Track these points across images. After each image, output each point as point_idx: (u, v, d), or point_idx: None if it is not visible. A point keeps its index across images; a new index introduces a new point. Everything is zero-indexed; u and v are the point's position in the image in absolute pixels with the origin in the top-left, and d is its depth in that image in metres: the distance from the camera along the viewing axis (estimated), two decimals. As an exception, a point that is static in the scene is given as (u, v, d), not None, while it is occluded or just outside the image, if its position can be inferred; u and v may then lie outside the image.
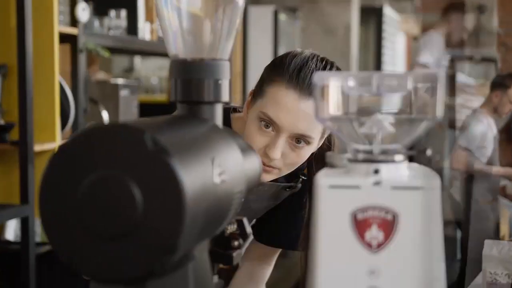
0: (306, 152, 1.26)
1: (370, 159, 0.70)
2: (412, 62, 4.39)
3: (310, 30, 5.34)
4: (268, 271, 1.56)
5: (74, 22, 2.66)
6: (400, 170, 0.70)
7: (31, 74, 2.38)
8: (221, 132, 0.79)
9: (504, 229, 4.14)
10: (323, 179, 0.69)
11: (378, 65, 7.55)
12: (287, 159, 1.25)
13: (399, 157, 0.71)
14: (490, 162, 4.18)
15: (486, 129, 4.09)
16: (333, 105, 0.72)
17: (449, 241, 4.24)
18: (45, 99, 2.48)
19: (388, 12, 7.56)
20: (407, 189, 0.68)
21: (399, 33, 8.72)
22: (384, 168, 0.69)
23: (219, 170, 0.71)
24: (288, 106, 1.21)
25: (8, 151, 2.46)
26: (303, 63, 1.25)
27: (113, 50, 3.17)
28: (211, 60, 0.82)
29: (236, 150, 0.78)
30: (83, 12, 2.63)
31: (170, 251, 0.60)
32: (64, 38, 2.63)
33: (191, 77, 0.81)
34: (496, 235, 4.05)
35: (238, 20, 0.84)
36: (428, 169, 0.74)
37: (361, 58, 6.80)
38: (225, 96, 0.83)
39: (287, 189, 1.40)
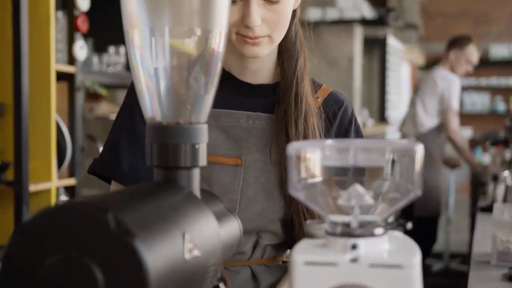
0: (286, 6, 1.15)
1: (347, 233, 0.68)
2: (442, 106, 4.38)
3: (313, 61, 5.32)
4: None
5: (72, 60, 2.65)
6: (379, 245, 0.67)
7: (27, 113, 2.37)
8: (195, 201, 0.76)
9: None
10: (299, 255, 0.66)
11: (382, 95, 7.54)
12: (269, 22, 1.14)
13: (378, 231, 0.68)
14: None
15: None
16: (308, 175, 0.69)
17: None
18: (42, 138, 2.47)
19: (392, 42, 7.57)
20: (386, 267, 0.65)
21: (403, 62, 8.73)
22: (362, 243, 0.66)
23: (191, 245, 0.68)
24: None
25: (3, 191, 2.44)
26: None
27: (114, 85, 3.16)
28: (188, 123, 0.80)
29: (211, 220, 0.75)
30: (81, 50, 2.63)
31: None
32: (62, 76, 2.63)
33: (167, 141, 0.78)
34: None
35: (216, 81, 0.82)
36: (408, 240, 0.71)
37: (365, 88, 6.80)
38: (202, 161, 0.80)
39: None
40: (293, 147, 0.68)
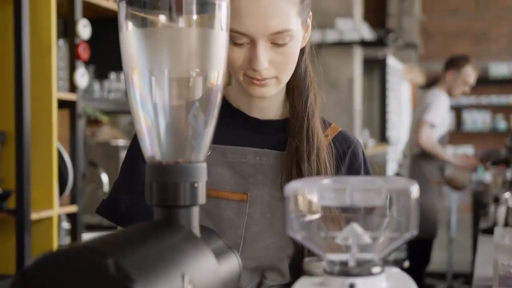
0: (293, 48, 1.13)
1: (345, 272, 0.68)
2: (416, 118, 4.38)
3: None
4: None
5: (73, 87, 2.67)
6: (377, 284, 0.68)
7: (29, 141, 2.38)
8: (194, 240, 0.77)
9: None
10: (297, 294, 0.67)
11: (382, 115, 7.56)
12: (276, 64, 1.12)
13: (376, 269, 0.69)
14: (441, 142, 4.31)
15: (446, 108, 4.34)
16: (306, 215, 0.70)
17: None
18: (43, 166, 2.48)
19: (392, 62, 7.61)
20: (383, 307, 0.66)
21: (403, 82, 8.76)
22: (360, 282, 0.67)
23: (190, 286, 0.69)
24: (248, 9, 1.08)
25: (5, 220, 2.45)
26: None
27: (115, 111, 3.18)
28: (187, 162, 0.81)
29: (210, 258, 0.76)
30: (82, 78, 2.65)
31: None
32: (63, 103, 2.65)
33: (167, 180, 0.79)
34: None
35: (214, 120, 0.83)
36: (406, 278, 0.72)
37: (365, 108, 6.82)
38: (201, 199, 0.81)
39: None
40: (290, 187, 0.69)
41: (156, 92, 0.80)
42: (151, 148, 0.81)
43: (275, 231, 1.17)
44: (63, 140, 2.68)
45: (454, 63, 4.43)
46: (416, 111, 4.55)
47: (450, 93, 4.44)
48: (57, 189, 2.53)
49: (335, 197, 0.70)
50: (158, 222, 0.79)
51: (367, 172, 1.26)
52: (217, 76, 0.81)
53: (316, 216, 0.71)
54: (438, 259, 6.52)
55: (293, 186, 0.70)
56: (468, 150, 10.13)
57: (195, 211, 0.81)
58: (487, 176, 6.75)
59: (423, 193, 4.26)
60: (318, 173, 1.15)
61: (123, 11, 0.78)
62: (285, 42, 1.11)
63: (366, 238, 0.69)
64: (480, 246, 2.57)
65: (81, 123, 2.67)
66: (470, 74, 4.41)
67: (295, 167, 1.16)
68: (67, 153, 2.63)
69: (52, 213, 2.51)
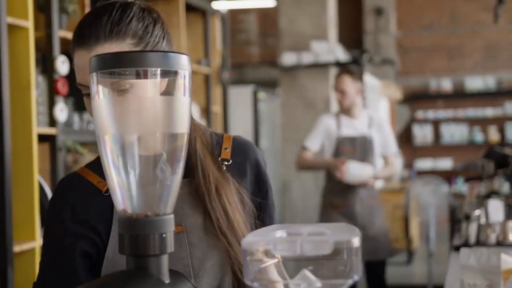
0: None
1: (298, 315, 0.76)
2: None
3: (290, 104, 5.48)
4: None
5: (53, 121, 2.74)
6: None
7: (10, 175, 2.45)
8: (163, 286, 0.85)
9: None
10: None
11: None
12: None
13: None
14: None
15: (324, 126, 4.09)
16: (261, 264, 0.79)
17: None
18: (25, 199, 2.54)
19: (369, 80, 7.74)
20: None
21: (381, 98, 8.90)
22: (310, 324, 0.75)
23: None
24: (80, 63, 1.16)
25: (-13, 253, 2.50)
26: (88, 15, 1.19)
27: (95, 142, 3.25)
28: (156, 215, 0.89)
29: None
30: (61, 112, 2.72)
31: None
32: (43, 137, 2.71)
33: (138, 232, 0.87)
34: None
35: (180, 176, 0.91)
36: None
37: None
38: (170, 247, 0.89)
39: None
40: (246, 242, 0.78)
41: (126, 153, 0.88)
42: (122, 202, 0.90)
43: (217, 250, 1.24)
44: (44, 173, 2.74)
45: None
46: None
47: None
48: (39, 221, 2.59)
49: (287, 247, 0.78)
50: (130, 271, 0.87)
51: (265, 173, 1.34)
52: (182, 136, 0.90)
53: (271, 265, 0.79)
54: (418, 272, 6.63)
55: (249, 240, 0.78)
56: (447, 163, 10.29)
57: (165, 259, 0.89)
58: (465, 188, 6.87)
59: (374, 216, 4.16)
60: (225, 211, 1.22)
61: (95, 81, 0.86)
62: (124, 90, 1.09)
63: (316, 283, 0.78)
64: (451, 263, 2.65)
65: (61, 156, 2.74)
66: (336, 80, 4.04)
67: (204, 203, 1.23)
68: (48, 185, 2.69)
69: (34, 244, 2.57)
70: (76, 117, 3.00)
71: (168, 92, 0.89)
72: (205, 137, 1.29)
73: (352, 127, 4.02)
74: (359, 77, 4.02)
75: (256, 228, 1.26)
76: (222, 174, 1.26)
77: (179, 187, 0.91)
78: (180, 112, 0.88)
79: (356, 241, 0.75)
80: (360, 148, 4.01)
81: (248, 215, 1.27)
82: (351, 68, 4.12)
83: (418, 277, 6.40)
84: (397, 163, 4.09)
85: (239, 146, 1.32)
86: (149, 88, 0.88)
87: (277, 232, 0.80)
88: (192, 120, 1.28)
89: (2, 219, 2.42)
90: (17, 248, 2.47)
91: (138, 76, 0.88)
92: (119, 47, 1.16)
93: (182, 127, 0.89)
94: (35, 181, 2.56)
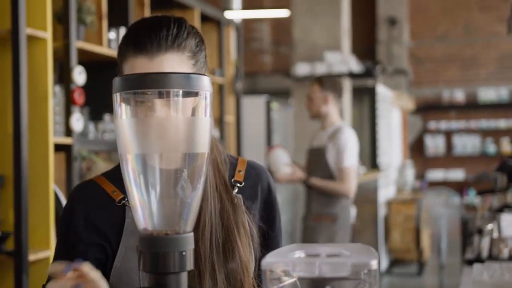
0: (187, 106, 1.14)
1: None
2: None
3: (303, 114, 5.48)
4: None
5: (69, 131, 2.77)
6: None
7: (27, 185, 2.47)
8: (183, 305, 0.86)
9: None
10: None
11: (373, 142, 7.67)
12: None
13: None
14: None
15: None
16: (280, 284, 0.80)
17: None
18: (40, 208, 2.57)
19: (381, 90, 7.74)
20: None
21: (393, 108, 8.89)
22: None
23: None
24: (141, 70, 1.16)
25: (3, 261, 2.53)
26: (143, 23, 1.21)
27: (109, 150, 3.28)
28: (175, 233, 0.90)
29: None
30: (77, 122, 2.75)
31: None
32: (59, 147, 2.74)
33: (158, 250, 0.89)
34: None
35: (199, 197, 0.93)
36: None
37: (356, 136, 6.91)
38: (189, 265, 0.91)
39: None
40: (266, 262, 0.79)
41: (148, 172, 0.90)
42: (143, 220, 0.91)
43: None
44: (59, 182, 2.77)
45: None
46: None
47: None
48: (54, 230, 2.62)
49: (306, 268, 0.80)
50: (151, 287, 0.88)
51: (275, 201, 1.35)
52: (202, 155, 0.91)
53: (290, 283, 0.81)
54: (428, 284, 6.61)
55: (268, 261, 0.79)
56: (459, 174, 10.25)
57: (184, 276, 0.90)
58: (477, 200, 6.83)
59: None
60: (227, 229, 1.23)
61: (118, 101, 0.88)
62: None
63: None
64: (463, 278, 2.65)
65: (76, 166, 2.77)
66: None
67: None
68: (63, 195, 2.72)
69: (49, 253, 2.59)
70: (91, 127, 3.03)
71: (190, 112, 0.91)
72: (221, 159, 1.30)
73: (318, 139, 4.02)
74: (330, 88, 3.96)
75: (258, 252, 1.28)
76: (230, 196, 1.27)
77: (199, 206, 0.92)
78: (201, 132, 0.90)
79: (374, 264, 0.77)
80: (313, 159, 3.98)
81: (251, 238, 1.27)
82: (324, 78, 4.14)
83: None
84: (349, 180, 3.77)
85: (253, 170, 1.34)
86: (171, 108, 0.90)
87: (296, 253, 0.81)
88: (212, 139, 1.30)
89: (18, 228, 2.45)
90: (32, 257, 2.50)
91: (160, 96, 0.90)
92: (179, 59, 1.18)
93: (203, 147, 0.90)
94: (51, 190, 2.59)
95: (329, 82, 4.01)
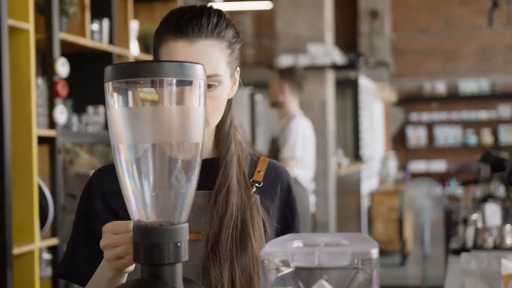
0: (221, 93, 1.21)
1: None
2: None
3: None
4: None
5: (52, 124, 2.74)
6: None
7: (10, 178, 2.44)
8: (178, 297, 0.85)
9: None
10: None
11: (356, 134, 7.70)
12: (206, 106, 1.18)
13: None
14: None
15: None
16: (278, 274, 0.79)
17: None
18: (24, 201, 2.54)
19: (364, 82, 7.76)
20: None
21: (376, 100, 8.92)
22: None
23: None
24: (182, 55, 1.18)
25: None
26: (183, 10, 1.23)
27: (93, 143, 3.25)
28: (170, 224, 0.89)
29: (193, 313, 0.85)
30: (61, 114, 2.72)
31: None
32: (43, 139, 2.71)
33: (152, 241, 0.88)
34: None
35: (193, 187, 0.91)
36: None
37: (339, 128, 6.94)
38: (184, 256, 0.89)
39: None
40: (264, 252, 0.78)
41: (141, 162, 0.88)
42: (137, 212, 0.90)
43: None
44: (43, 174, 2.74)
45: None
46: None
47: None
48: (38, 223, 2.59)
49: (305, 258, 0.79)
50: (144, 279, 0.87)
51: (294, 202, 1.35)
52: (196, 145, 0.90)
53: (288, 274, 0.80)
54: (411, 274, 6.65)
55: (267, 250, 0.78)
56: (440, 165, 10.32)
57: (179, 267, 0.89)
58: (459, 190, 6.88)
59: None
60: (223, 215, 1.22)
61: (110, 90, 0.87)
62: (214, 86, 1.19)
63: (333, 293, 0.78)
64: (450, 267, 2.66)
65: (60, 158, 2.74)
66: None
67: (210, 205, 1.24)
68: (47, 187, 2.69)
69: (33, 247, 2.56)
70: (75, 119, 2.99)
71: (183, 101, 0.89)
72: (242, 157, 1.29)
73: (276, 129, 4.12)
74: (287, 78, 4.03)
75: None
76: (248, 193, 1.26)
77: (193, 196, 0.91)
78: (195, 121, 0.89)
79: (374, 253, 0.76)
80: (271, 148, 4.04)
81: (264, 235, 1.26)
82: (283, 69, 4.26)
83: (412, 279, 6.42)
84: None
85: (273, 170, 1.34)
86: (164, 97, 0.89)
87: (294, 242, 0.80)
88: (233, 127, 1.29)
89: (2, 221, 2.42)
90: (16, 250, 2.47)
91: (153, 85, 0.88)
92: (218, 47, 1.20)
93: (197, 137, 0.89)
94: (35, 183, 2.56)
95: (287, 73, 4.09)
